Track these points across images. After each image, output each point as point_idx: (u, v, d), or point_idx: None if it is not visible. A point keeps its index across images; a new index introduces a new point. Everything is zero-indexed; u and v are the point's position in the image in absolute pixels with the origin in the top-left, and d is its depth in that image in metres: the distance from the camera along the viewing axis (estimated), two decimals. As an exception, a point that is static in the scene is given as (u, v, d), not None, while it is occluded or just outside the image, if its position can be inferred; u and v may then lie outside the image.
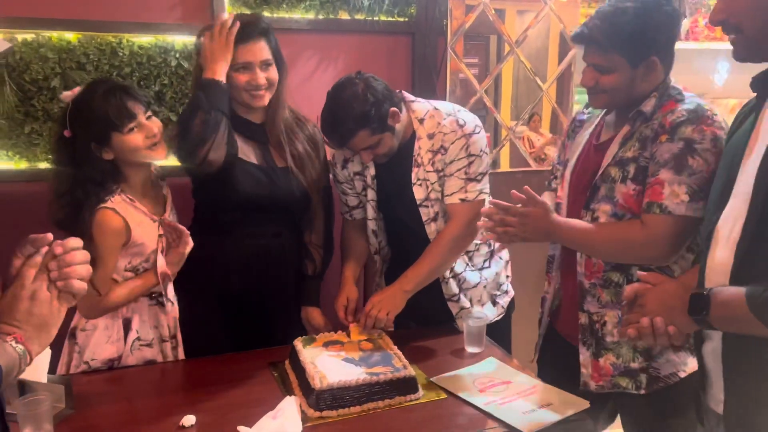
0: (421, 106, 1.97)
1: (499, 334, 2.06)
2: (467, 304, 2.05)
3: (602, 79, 1.63)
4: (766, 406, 1.21)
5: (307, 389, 1.61)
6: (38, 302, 1.02)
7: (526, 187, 1.66)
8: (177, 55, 2.37)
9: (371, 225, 2.07)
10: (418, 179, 1.94)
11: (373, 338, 1.85)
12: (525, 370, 1.81)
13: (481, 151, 1.92)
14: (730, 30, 1.27)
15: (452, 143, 1.90)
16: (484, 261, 2.07)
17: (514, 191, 1.66)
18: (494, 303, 2.11)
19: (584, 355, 1.76)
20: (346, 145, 1.88)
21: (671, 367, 1.69)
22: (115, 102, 1.73)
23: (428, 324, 2.09)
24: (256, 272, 1.95)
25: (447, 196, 1.93)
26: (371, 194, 2.03)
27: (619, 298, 1.67)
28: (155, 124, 1.80)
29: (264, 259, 1.96)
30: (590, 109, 1.86)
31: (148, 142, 1.78)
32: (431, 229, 1.97)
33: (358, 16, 2.56)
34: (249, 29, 1.84)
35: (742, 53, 1.27)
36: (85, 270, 1.05)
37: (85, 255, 1.05)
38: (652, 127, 1.60)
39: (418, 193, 1.95)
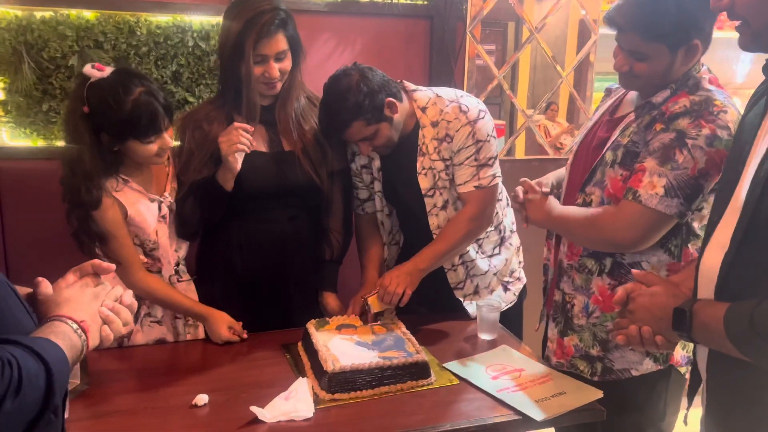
0: (423, 94, 1.94)
1: (510, 320, 2.05)
2: (470, 291, 2.05)
3: (637, 66, 1.55)
4: (741, 416, 1.20)
5: (319, 372, 1.61)
6: (99, 302, 1.06)
7: (523, 179, 1.75)
8: (194, 35, 2.36)
9: (380, 216, 2.07)
10: (424, 168, 1.92)
11: (386, 323, 1.85)
12: (538, 359, 1.81)
13: (488, 135, 1.89)
14: (735, 17, 1.21)
15: (457, 131, 1.87)
16: (494, 248, 2.06)
17: (523, 179, 1.76)
18: (506, 289, 2.10)
19: (552, 331, 1.80)
20: (342, 137, 1.87)
21: (625, 363, 1.70)
22: (148, 113, 1.70)
23: (439, 310, 2.09)
24: (273, 256, 1.95)
25: (461, 185, 1.91)
26: (378, 186, 2.02)
27: (589, 284, 1.70)
28: (170, 134, 1.79)
29: (280, 243, 1.96)
30: None
31: (160, 152, 1.78)
32: (436, 219, 1.96)
33: (377, -1, 2.54)
34: (268, 25, 1.79)
35: (747, 43, 1.22)
36: (129, 316, 1.10)
37: (132, 305, 1.12)
38: (652, 115, 1.56)
39: (423, 182, 1.93)
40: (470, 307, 2.05)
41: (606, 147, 1.65)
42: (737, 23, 1.21)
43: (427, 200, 1.95)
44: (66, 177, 1.75)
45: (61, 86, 2.26)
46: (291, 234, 1.98)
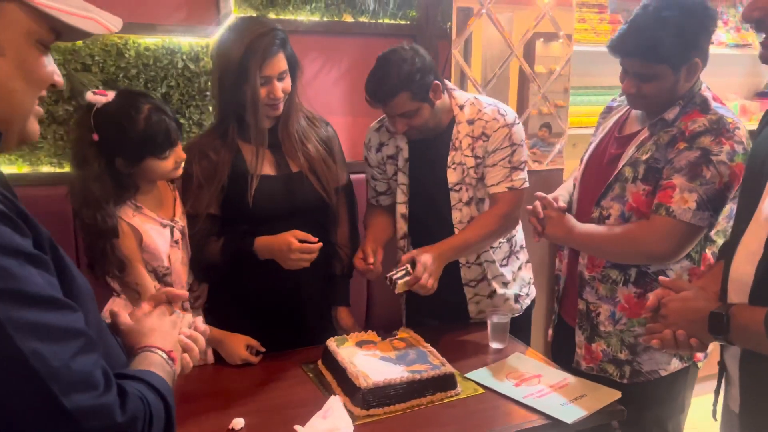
0: (462, 94, 2.04)
1: (519, 328, 2.11)
2: (482, 292, 2.09)
3: (644, 87, 1.65)
4: None
5: (350, 388, 1.63)
6: (177, 330, 1.07)
7: (538, 193, 1.82)
8: (183, 57, 2.34)
9: (401, 209, 2.10)
10: (454, 163, 1.99)
11: (404, 337, 1.88)
12: (551, 365, 1.87)
13: (521, 140, 1.99)
14: (763, 28, 1.26)
15: (495, 131, 1.95)
16: (503, 259, 2.12)
17: (540, 194, 1.82)
18: (516, 301, 2.16)
19: (579, 338, 1.88)
20: (386, 106, 1.90)
21: (653, 365, 1.79)
22: (162, 127, 1.69)
23: (447, 321, 2.14)
24: (285, 278, 1.92)
25: (493, 185, 1.98)
26: (402, 178, 2.06)
27: (614, 294, 1.78)
28: (180, 146, 1.79)
29: None
30: (622, 96, 1.91)
31: (176, 165, 1.78)
32: (459, 214, 2.01)
33: (362, 19, 2.58)
34: (270, 46, 1.79)
35: None
36: (204, 343, 1.12)
37: (206, 331, 1.14)
38: (671, 134, 1.67)
39: (452, 176, 2.00)
40: (476, 307, 2.11)
41: (622, 163, 1.73)
42: (763, 36, 1.27)
43: (452, 194, 2.01)
44: (79, 209, 1.70)
45: (48, 111, 2.20)
46: None
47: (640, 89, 1.66)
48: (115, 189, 1.72)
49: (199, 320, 1.12)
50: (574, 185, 1.93)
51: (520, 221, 2.14)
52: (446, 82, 2.03)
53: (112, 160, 1.70)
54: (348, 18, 2.56)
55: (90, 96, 1.70)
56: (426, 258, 1.85)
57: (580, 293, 1.85)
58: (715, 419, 1.51)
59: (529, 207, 1.84)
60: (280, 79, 1.85)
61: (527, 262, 2.23)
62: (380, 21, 2.60)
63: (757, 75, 3.72)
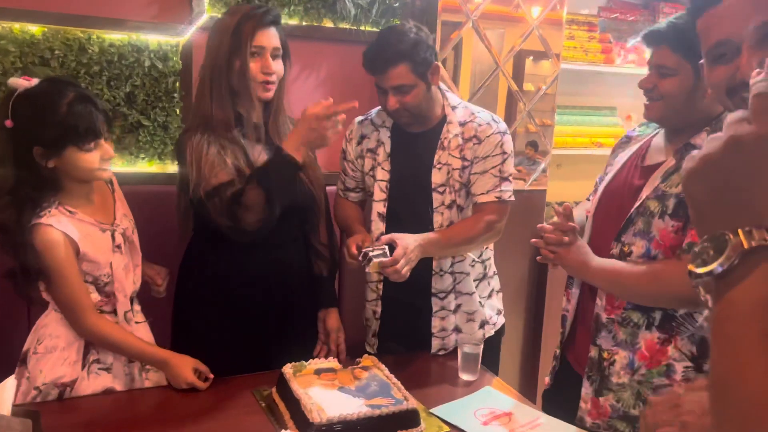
0: (454, 96, 1.99)
1: (486, 358, 1.98)
2: (450, 306, 1.98)
3: (662, 84, 1.51)
4: None
5: (303, 423, 1.49)
6: None
7: (566, 204, 1.65)
8: (151, 55, 2.22)
9: (378, 207, 1.97)
10: (440, 163, 1.90)
11: (368, 365, 1.76)
12: (523, 400, 1.75)
13: (511, 150, 1.92)
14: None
15: (488, 137, 1.88)
16: (475, 280, 2.01)
17: (555, 206, 1.66)
18: (481, 326, 2.04)
19: (586, 390, 1.67)
20: (384, 75, 1.82)
21: None
22: (85, 114, 1.56)
23: (413, 347, 2.02)
24: (277, 284, 1.86)
25: (482, 194, 1.89)
26: (381, 174, 1.96)
27: (635, 339, 1.57)
28: (111, 146, 1.65)
29: (284, 269, 1.88)
30: (641, 127, 1.78)
31: (103, 164, 1.63)
32: (440, 217, 1.91)
33: (343, 25, 2.47)
34: (262, 16, 1.74)
35: None
36: None
37: None
38: None
39: (436, 177, 1.90)
40: (440, 323, 1.99)
41: (644, 194, 1.56)
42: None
43: (435, 196, 1.91)
44: None
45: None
46: (295, 256, 1.92)
47: (658, 85, 1.51)
48: (33, 185, 1.57)
49: None
50: (587, 217, 1.74)
51: (492, 247, 2.03)
52: (440, 83, 1.95)
53: (29, 151, 1.56)
54: (328, 23, 2.45)
55: (13, 80, 1.58)
56: (407, 243, 1.74)
57: (594, 339, 1.65)
58: None
59: (542, 228, 1.65)
60: (274, 57, 1.78)
61: (498, 291, 2.12)
62: (362, 28, 2.49)
63: None
